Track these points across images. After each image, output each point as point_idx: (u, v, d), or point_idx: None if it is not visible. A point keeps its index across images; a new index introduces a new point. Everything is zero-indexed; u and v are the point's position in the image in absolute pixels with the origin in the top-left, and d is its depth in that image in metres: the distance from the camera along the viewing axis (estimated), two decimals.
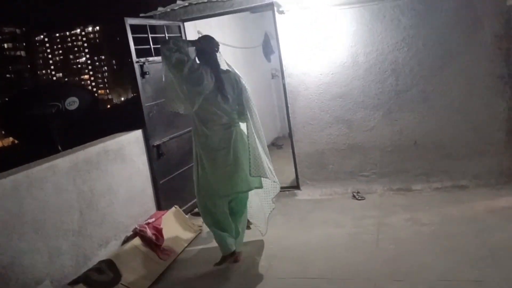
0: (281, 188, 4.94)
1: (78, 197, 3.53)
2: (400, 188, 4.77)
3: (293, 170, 5.18)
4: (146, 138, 4.43)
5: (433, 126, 4.59)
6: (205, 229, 4.25)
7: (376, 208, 4.42)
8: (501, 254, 3.21)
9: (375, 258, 3.44)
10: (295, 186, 5.19)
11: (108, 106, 62.79)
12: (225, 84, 3.50)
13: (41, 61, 78.92)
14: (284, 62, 4.88)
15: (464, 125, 4.49)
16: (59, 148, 7.79)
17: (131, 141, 4.29)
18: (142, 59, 4.41)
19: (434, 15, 4.37)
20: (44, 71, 78.79)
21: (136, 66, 4.36)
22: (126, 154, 4.18)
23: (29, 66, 72.10)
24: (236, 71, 3.65)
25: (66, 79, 76.81)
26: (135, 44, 4.34)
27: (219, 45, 3.64)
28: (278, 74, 5.83)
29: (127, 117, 6.69)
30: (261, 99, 6.68)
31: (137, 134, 4.38)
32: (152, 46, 4.55)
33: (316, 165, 5.04)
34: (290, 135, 5.09)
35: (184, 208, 4.74)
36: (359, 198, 4.74)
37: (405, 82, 4.59)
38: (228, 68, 3.65)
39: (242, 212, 3.81)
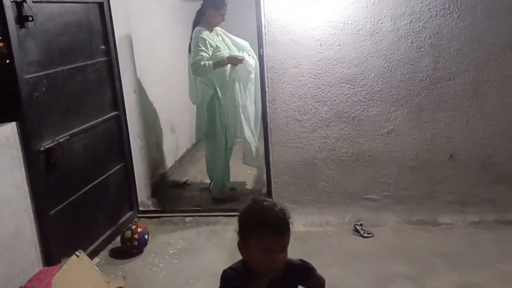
0: None
1: None
2: (422, 221, 3.28)
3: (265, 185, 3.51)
4: (25, 138, 2.46)
5: (480, 135, 3.13)
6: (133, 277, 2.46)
7: (399, 258, 2.88)
8: None
9: None
10: None
11: None
12: None
13: None
14: (265, 19, 3.10)
15: None
16: None
17: None
18: None
19: None
20: None
21: (9, 5, 2.35)
22: None
23: None
24: None
25: None
26: None
27: None
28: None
29: None
30: None
31: (6, 130, 2.40)
32: None
33: (301, 180, 3.38)
34: (265, 134, 3.36)
35: (91, 249, 2.90)
36: (366, 235, 3.18)
37: (448, 66, 3.04)
38: None
39: None
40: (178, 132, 4.77)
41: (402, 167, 3.26)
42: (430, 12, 2.97)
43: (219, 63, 3.56)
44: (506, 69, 2.99)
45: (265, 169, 3.55)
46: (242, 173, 4.36)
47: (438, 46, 3.01)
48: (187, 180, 4.39)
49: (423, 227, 3.26)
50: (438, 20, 2.97)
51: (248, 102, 3.74)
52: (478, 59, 3.00)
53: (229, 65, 3.60)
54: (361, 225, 3.28)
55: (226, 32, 3.83)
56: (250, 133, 3.74)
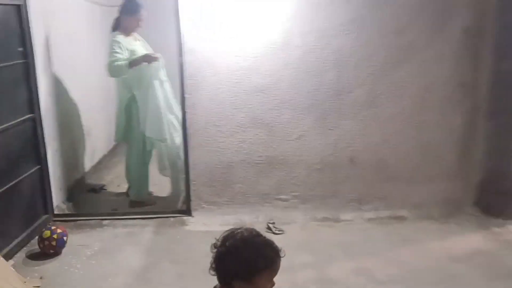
0: (164, 213, 3.63)
1: None
2: (326, 218, 3.62)
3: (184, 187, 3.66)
4: None
5: (375, 140, 3.55)
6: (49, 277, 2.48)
7: (305, 249, 3.18)
8: None
9: None
10: (185, 211, 3.67)
11: None
12: None
13: None
14: (184, 31, 3.29)
15: (413, 141, 3.55)
16: None
17: None
18: None
19: None
20: None
21: None
22: None
23: None
24: None
25: None
26: None
27: None
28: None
29: None
30: None
31: None
32: None
33: (219, 182, 3.59)
34: (185, 138, 3.52)
35: (6, 251, 2.85)
36: (277, 232, 3.46)
37: (348, 79, 3.43)
38: None
39: None
40: (94, 137, 4.74)
41: (310, 170, 3.59)
42: (333, 31, 3.34)
43: (135, 61, 3.65)
44: (397, 83, 3.44)
45: (181, 178, 3.73)
46: (161, 177, 4.46)
47: (340, 62, 3.39)
48: (104, 185, 4.39)
49: (327, 223, 3.60)
50: (340, 39, 3.35)
51: (171, 101, 3.85)
52: (373, 74, 3.42)
53: (146, 66, 3.67)
54: (273, 223, 3.54)
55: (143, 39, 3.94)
56: (171, 135, 3.84)
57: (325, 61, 3.39)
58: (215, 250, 1.44)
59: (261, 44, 3.33)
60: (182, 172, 3.70)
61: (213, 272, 1.45)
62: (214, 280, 1.52)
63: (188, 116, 3.44)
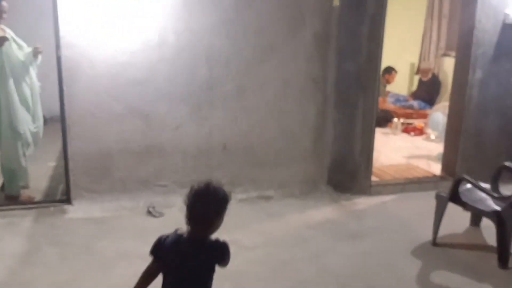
0: (42, 202, 3.74)
1: None
2: None
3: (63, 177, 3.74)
4: None
5: (244, 128, 4.00)
6: None
7: (183, 228, 3.51)
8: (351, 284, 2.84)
9: None
10: (64, 199, 3.76)
11: None
12: None
13: None
14: (62, 25, 3.40)
15: (276, 129, 4.07)
16: None
17: None
18: None
19: None
20: None
21: None
22: None
23: None
24: None
25: None
26: None
27: None
28: None
29: None
30: None
31: None
32: None
33: (98, 171, 3.74)
34: (63, 128, 3.62)
35: None
36: (157, 215, 3.73)
37: (219, 74, 3.82)
38: None
39: None
40: None
41: (187, 156, 3.91)
42: (205, 31, 3.71)
43: None
44: (260, 79, 3.93)
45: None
46: (40, 170, 4.45)
47: (211, 58, 3.78)
48: None
49: None
50: (211, 38, 3.74)
51: (26, 92, 3.80)
52: (241, 70, 3.86)
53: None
54: (153, 207, 3.79)
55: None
56: (27, 125, 3.81)
57: (198, 57, 3.75)
58: (187, 203, 1.77)
59: (138, 40, 3.57)
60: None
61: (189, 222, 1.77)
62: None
63: (66, 106, 3.54)
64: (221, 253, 1.80)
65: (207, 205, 1.77)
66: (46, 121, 6.45)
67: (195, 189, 1.78)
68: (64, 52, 3.45)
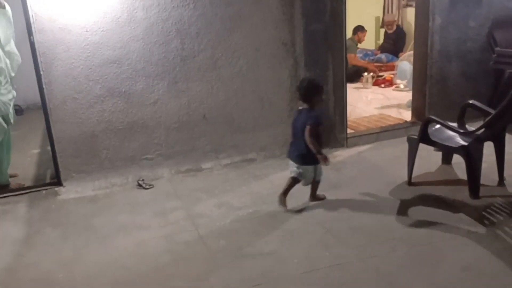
0: (33, 187, 3.89)
1: None
2: (189, 169, 4.16)
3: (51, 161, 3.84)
4: None
5: (222, 98, 4.14)
6: None
7: (173, 197, 3.69)
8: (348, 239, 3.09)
9: (214, 264, 2.76)
10: (55, 182, 3.87)
11: None
12: None
13: None
14: (33, 9, 3.42)
15: (252, 95, 4.22)
16: None
17: None
18: None
19: None
20: None
21: None
22: None
23: None
24: None
25: None
26: None
27: None
28: None
29: None
30: None
31: None
32: None
33: (85, 152, 3.85)
34: (46, 114, 3.70)
35: None
36: (147, 187, 3.89)
37: (191, 46, 3.92)
38: None
39: None
40: None
41: (169, 129, 4.05)
42: (173, 3, 3.77)
43: None
44: (232, 48, 4.03)
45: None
46: (25, 158, 4.52)
47: (182, 31, 3.86)
48: None
49: (190, 174, 4.14)
50: (180, 10, 3.81)
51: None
52: (212, 40, 3.97)
53: None
54: (142, 180, 3.94)
55: None
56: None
57: (169, 31, 3.82)
58: (300, 88, 3.29)
59: (107, 18, 3.61)
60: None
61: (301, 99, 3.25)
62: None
63: (46, 92, 3.61)
64: (314, 116, 3.18)
65: (309, 88, 3.22)
66: (22, 110, 6.55)
67: (303, 81, 3.39)
68: (38, 37, 3.49)
